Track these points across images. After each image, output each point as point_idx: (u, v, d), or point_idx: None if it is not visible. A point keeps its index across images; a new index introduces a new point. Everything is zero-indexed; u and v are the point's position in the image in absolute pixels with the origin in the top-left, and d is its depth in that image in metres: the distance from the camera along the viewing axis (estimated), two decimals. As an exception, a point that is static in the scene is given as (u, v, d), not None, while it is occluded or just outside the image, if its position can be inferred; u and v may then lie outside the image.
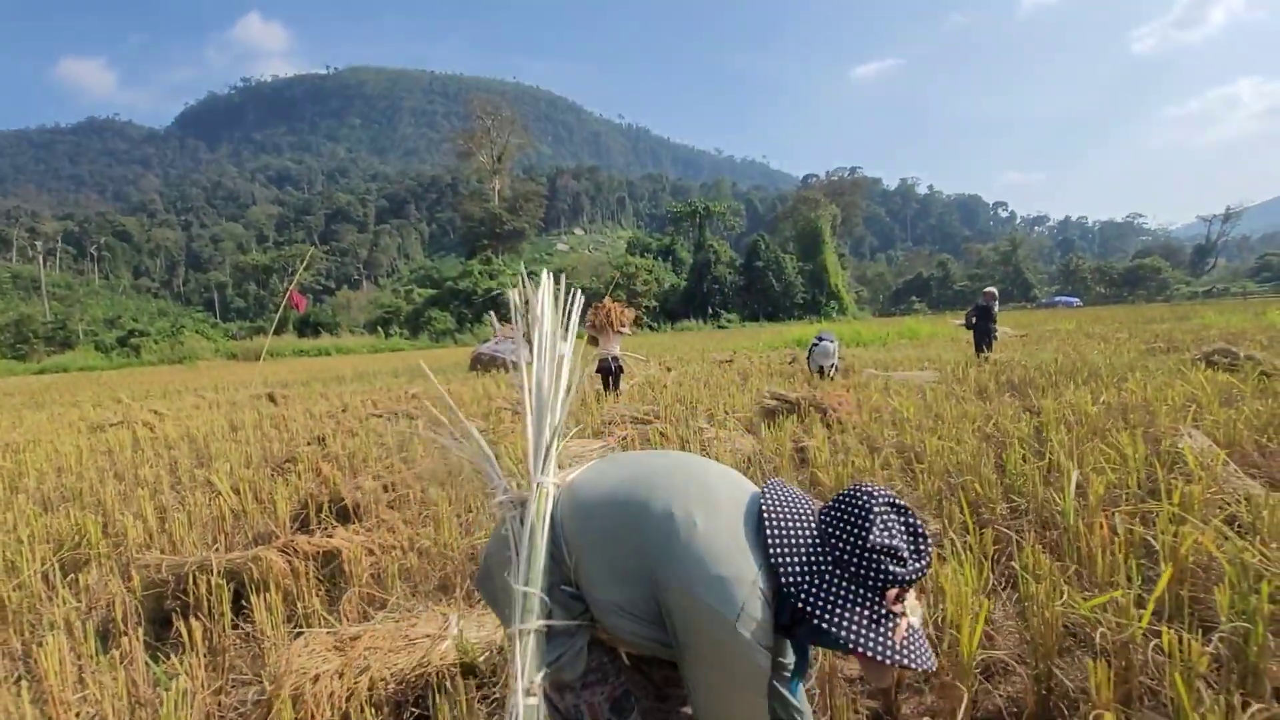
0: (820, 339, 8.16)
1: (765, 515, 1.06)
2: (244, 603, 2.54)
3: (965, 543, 2.44)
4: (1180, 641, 1.54)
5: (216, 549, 3.27)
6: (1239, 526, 2.44)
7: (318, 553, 2.86)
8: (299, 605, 2.50)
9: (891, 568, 0.99)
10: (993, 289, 10.88)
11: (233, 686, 2.14)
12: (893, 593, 0.99)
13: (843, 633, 0.97)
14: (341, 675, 1.72)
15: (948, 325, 20.28)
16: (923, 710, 1.76)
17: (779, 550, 1.04)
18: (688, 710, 1.36)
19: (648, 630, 1.06)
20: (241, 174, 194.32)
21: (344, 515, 3.66)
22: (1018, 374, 7.07)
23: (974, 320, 10.32)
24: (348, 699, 1.70)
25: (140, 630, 2.33)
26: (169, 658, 2.12)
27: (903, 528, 1.04)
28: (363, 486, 4.00)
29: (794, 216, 66.61)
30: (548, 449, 1.18)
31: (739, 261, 58.51)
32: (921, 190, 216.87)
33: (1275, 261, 69.87)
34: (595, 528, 1.14)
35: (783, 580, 1.02)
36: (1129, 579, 2.04)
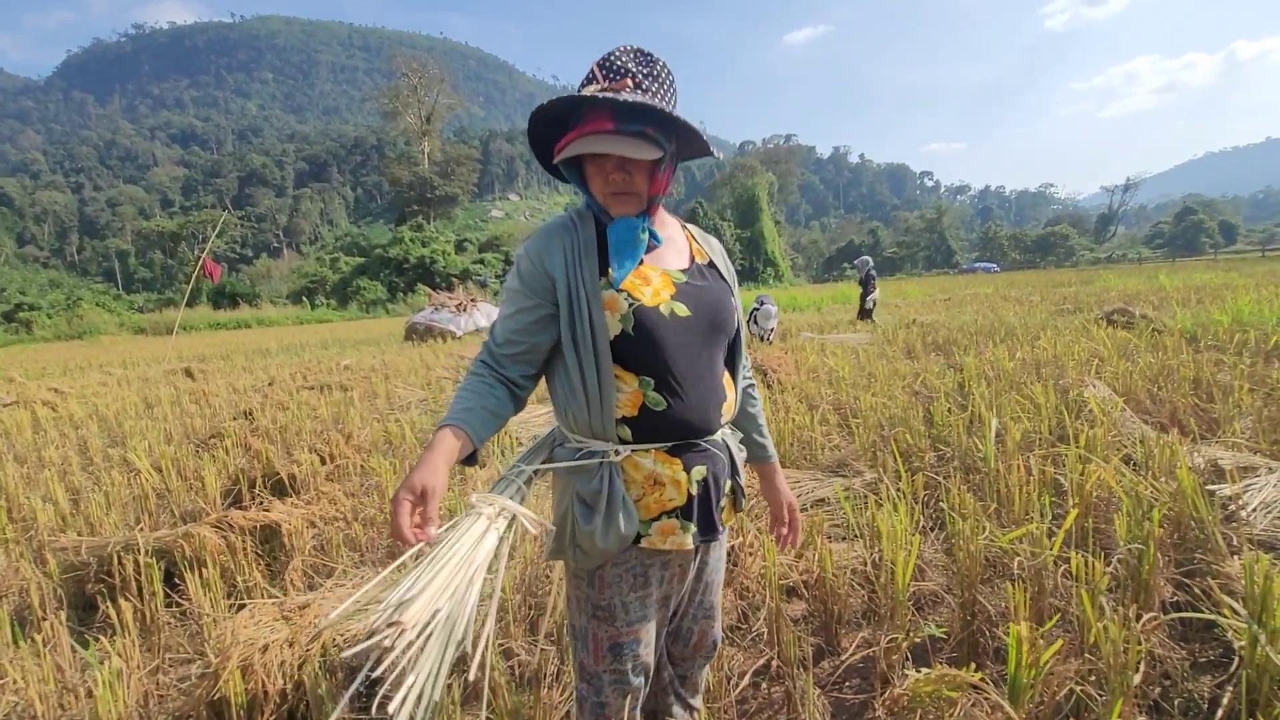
0: (761, 302, 8.34)
1: None
2: (176, 581, 2.42)
3: (898, 489, 2.60)
4: (1085, 565, 1.71)
5: (141, 529, 3.09)
6: (1134, 464, 2.70)
7: (255, 527, 2.75)
8: (239, 580, 2.41)
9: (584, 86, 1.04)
10: (863, 257, 11.00)
11: (170, 665, 2.06)
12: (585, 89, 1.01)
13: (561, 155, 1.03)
14: (292, 644, 1.68)
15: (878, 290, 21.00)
16: (862, 642, 1.89)
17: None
18: (688, 697, 1.39)
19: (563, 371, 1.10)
20: (139, 131, 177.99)
21: (280, 489, 3.53)
22: (942, 335, 7.47)
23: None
24: (300, 666, 1.67)
25: (62, 614, 2.19)
26: (97, 641, 2.01)
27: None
28: (298, 460, 3.85)
29: (731, 184, 66.99)
30: None
31: (678, 228, 58.40)
32: (853, 159, 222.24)
33: (1166, 229, 75.84)
34: None
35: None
36: (1042, 514, 2.24)
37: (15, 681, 1.85)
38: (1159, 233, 76.63)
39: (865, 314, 10.49)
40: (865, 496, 2.60)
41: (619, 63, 1.01)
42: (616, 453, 1.05)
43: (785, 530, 1.36)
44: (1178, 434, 2.90)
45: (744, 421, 1.31)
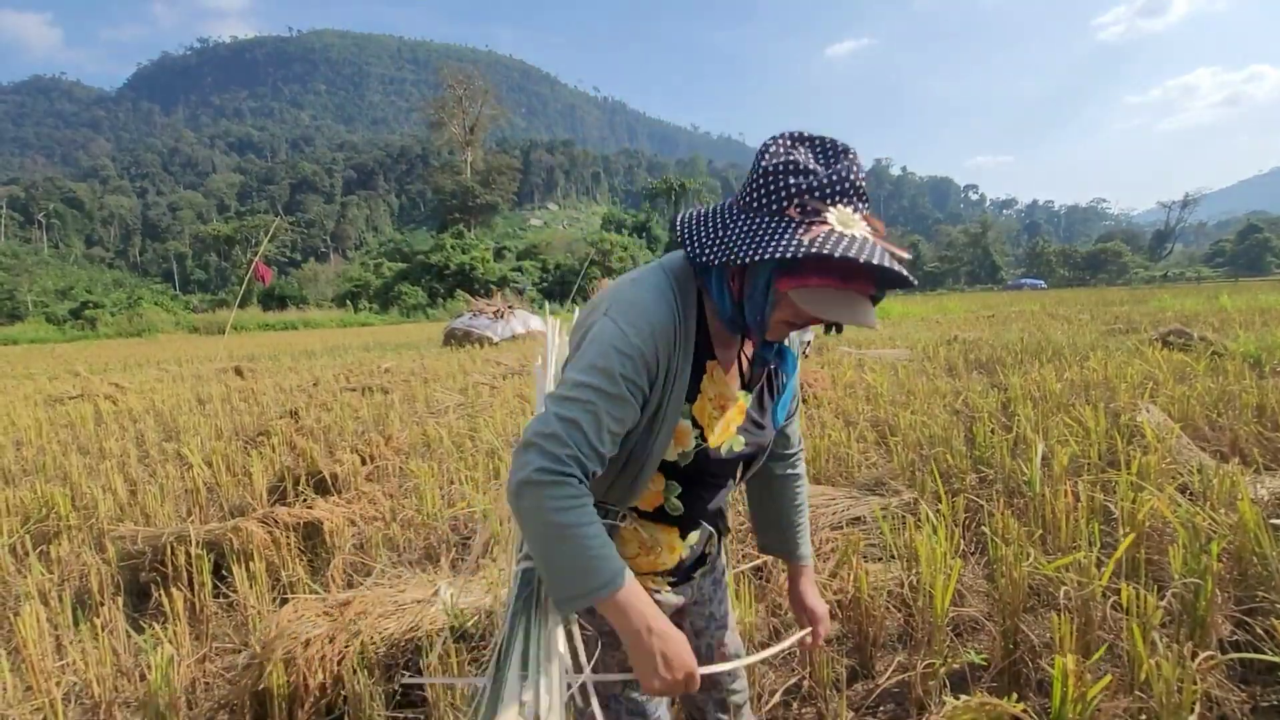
0: None
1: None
2: (224, 573, 2.52)
3: (937, 510, 2.54)
4: (1137, 597, 1.64)
5: (192, 521, 3.22)
6: (1190, 494, 2.59)
7: (298, 524, 2.84)
8: (283, 574, 2.49)
9: (791, 180, 0.81)
10: None
11: (217, 654, 2.14)
12: (796, 204, 0.81)
13: (735, 253, 0.82)
14: (332, 639, 1.73)
15: (919, 306, 20.60)
16: (898, 666, 1.85)
17: (681, 222, 0.94)
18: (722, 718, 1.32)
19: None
20: (200, 140, 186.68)
21: (322, 488, 3.63)
22: (985, 353, 7.27)
23: None
24: (339, 662, 1.72)
25: (119, 600, 2.30)
26: (150, 627, 2.10)
27: (808, 149, 0.87)
28: (340, 460, 3.97)
29: (769, 195, 66.66)
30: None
31: (714, 239, 58.35)
32: (895, 171, 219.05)
33: (1228, 247, 72.49)
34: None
35: (680, 240, 0.91)
36: (1090, 542, 2.15)
37: (75, 662, 1.94)
38: (1220, 251, 73.31)
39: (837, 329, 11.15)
40: (903, 517, 2.54)
41: (858, 180, 0.83)
42: (622, 518, 1.05)
43: (808, 640, 1.24)
44: (1239, 464, 2.76)
45: (778, 514, 1.24)
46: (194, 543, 2.59)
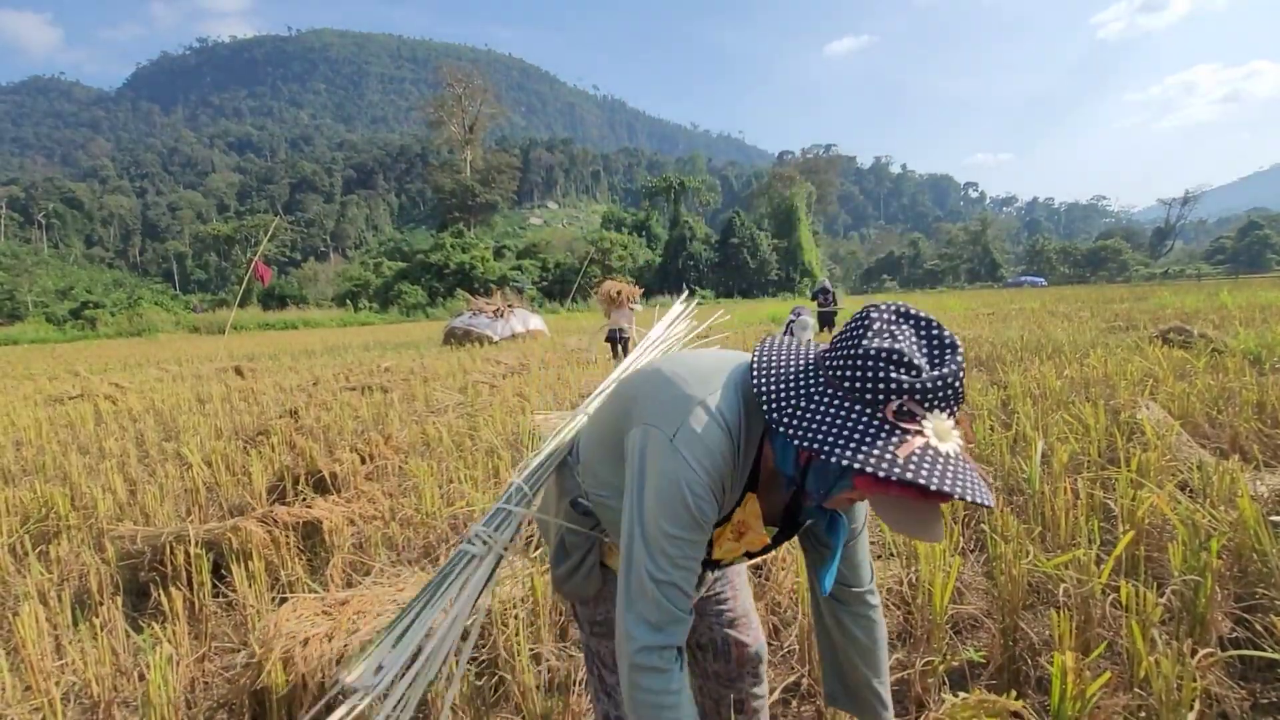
0: (797, 314, 8.36)
1: (754, 352, 0.91)
2: (224, 573, 2.52)
3: (937, 508, 2.53)
4: (1136, 594, 1.64)
5: (191, 520, 3.22)
6: (1190, 491, 2.58)
7: (298, 523, 2.84)
8: (282, 573, 2.49)
9: (893, 374, 0.76)
10: (823, 280, 14.40)
11: (216, 653, 2.14)
12: (895, 405, 0.76)
13: (822, 446, 0.76)
14: (331, 638, 1.73)
15: (919, 303, 20.59)
16: (897, 664, 1.84)
17: (759, 370, 0.87)
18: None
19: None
20: (199, 139, 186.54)
21: (321, 487, 3.63)
22: (985, 350, 7.26)
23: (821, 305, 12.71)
24: (338, 661, 1.72)
25: (118, 600, 2.30)
26: (149, 627, 2.10)
27: (913, 332, 0.81)
28: (340, 458, 3.96)
29: (769, 193, 66.78)
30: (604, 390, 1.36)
31: (714, 238, 58.52)
32: (895, 169, 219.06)
33: (1228, 245, 72.44)
34: (597, 415, 1.12)
35: (759, 398, 0.84)
36: (1090, 539, 2.15)
37: (74, 662, 1.94)
38: (1220, 248, 73.25)
39: (824, 324, 12.27)
40: (902, 515, 2.54)
41: (960, 386, 0.79)
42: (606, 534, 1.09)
43: None
44: (1239, 460, 2.76)
45: (852, 665, 1.13)
46: (193, 542, 2.58)
